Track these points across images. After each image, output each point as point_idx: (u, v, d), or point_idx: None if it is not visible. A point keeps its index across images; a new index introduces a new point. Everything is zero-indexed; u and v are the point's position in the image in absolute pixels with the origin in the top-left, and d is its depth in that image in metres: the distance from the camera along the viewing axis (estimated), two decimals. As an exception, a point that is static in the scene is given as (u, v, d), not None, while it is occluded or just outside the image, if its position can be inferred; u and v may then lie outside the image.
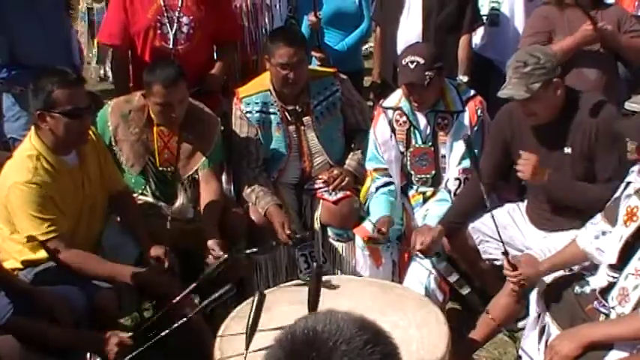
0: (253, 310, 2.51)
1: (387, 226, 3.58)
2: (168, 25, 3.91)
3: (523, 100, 3.14)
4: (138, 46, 3.95)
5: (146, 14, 3.90)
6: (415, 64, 3.50)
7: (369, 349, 1.26)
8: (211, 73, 4.04)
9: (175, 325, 2.82)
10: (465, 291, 3.38)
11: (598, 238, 2.85)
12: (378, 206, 3.69)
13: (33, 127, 3.13)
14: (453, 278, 3.40)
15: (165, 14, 3.90)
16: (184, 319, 2.85)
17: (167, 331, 2.80)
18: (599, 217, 2.90)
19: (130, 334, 2.89)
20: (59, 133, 3.05)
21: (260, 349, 2.36)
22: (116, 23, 3.96)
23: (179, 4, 3.92)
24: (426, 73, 3.50)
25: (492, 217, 3.12)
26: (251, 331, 2.48)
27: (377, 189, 3.75)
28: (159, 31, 3.91)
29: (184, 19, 3.93)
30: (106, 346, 2.79)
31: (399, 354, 1.33)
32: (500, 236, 3.09)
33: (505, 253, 3.06)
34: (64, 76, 3.05)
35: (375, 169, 3.80)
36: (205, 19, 3.96)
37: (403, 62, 3.54)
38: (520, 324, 3.38)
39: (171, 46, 3.92)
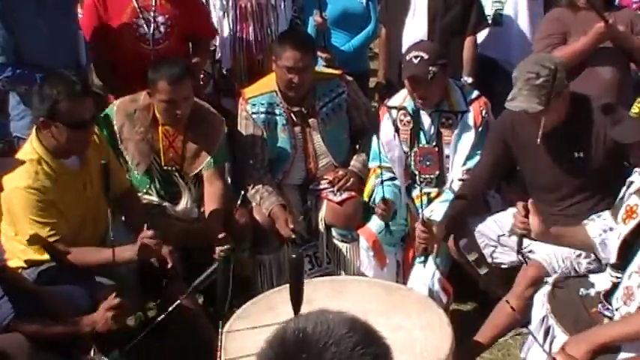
0: (293, 276, 2.44)
1: (387, 204, 3.55)
2: (145, 26, 3.92)
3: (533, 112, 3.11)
4: (118, 50, 3.96)
5: (121, 18, 3.91)
6: (419, 58, 3.50)
7: (360, 350, 1.25)
8: (194, 62, 4.06)
9: (169, 309, 2.88)
10: (484, 271, 3.30)
11: (606, 232, 2.84)
12: (382, 192, 3.63)
13: (34, 130, 3.13)
14: (472, 257, 3.29)
15: (141, 16, 3.92)
16: (177, 303, 2.92)
17: (161, 317, 2.86)
18: (607, 213, 2.90)
19: (114, 295, 2.89)
20: (61, 141, 3.06)
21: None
22: (91, 32, 3.96)
23: (153, 4, 3.93)
24: (430, 68, 3.49)
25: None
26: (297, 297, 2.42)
27: (382, 182, 3.73)
28: (137, 34, 3.93)
29: (160, 19, 3.94)
30: (100, 319, 2.82)
31: (390, 355, 1.32)
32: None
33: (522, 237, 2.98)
34: (71, 86, 3.03)
35: (380, 167, 3.78)
36: (180, 16, 3.98)
37: (407, 57, 3.54)
38: (524, 330, 3.37)
39: (150, 46, 3.93)
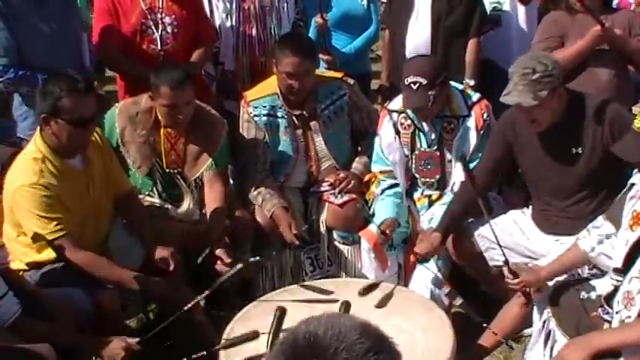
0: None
1: (391, 228, 3.57)
2: (153, 27, 3.96)
3: (528, 106, 3.13)
4: (126, 51, 3.98)
5: (130, 20, 3.95)
6: (418, 85, 3.45)
7: (371, 356, 1.24)
8: (190, 61, 4.07)
9: (174, 316, 2.87)
10: (458, 302, 3.33)
11: (602, 243, 2.83)
12: (383, 208, 3.68)
13: (38, 129, 3.14)
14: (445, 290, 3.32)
15: (149, 17, 3.96)
16: (183, 310, 2.90)
17: (166, 323, 2.85)
18: (601, 219, 2.88)
19: (137, 339, 2.87)
20: (62, 138, 3.06)
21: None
22: (107, 31, 3.98)
23: (159, 5, 3.98)
24: (429, 93, 3.47)
25: (491, 226, 3.15)
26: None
27: (382, 191, 3.75)
28: (145, 35, 3.97)
29: (167, 20, 3.99)
30: (112, 350, 2.79)
31: None
32: (499, 244, 3.11)
33: (505, 262, 3.07)
34: (74, 83, 3.03)
35: (381, 172, 3.79)
36: (186, 16, 4.04)
37: (406, 82, 3.49)
38: (526, 331, 3.37)
39: (159, 47, 3.97)
